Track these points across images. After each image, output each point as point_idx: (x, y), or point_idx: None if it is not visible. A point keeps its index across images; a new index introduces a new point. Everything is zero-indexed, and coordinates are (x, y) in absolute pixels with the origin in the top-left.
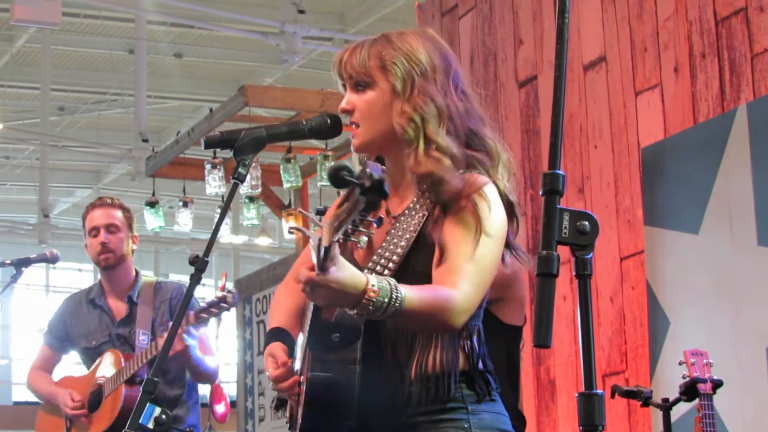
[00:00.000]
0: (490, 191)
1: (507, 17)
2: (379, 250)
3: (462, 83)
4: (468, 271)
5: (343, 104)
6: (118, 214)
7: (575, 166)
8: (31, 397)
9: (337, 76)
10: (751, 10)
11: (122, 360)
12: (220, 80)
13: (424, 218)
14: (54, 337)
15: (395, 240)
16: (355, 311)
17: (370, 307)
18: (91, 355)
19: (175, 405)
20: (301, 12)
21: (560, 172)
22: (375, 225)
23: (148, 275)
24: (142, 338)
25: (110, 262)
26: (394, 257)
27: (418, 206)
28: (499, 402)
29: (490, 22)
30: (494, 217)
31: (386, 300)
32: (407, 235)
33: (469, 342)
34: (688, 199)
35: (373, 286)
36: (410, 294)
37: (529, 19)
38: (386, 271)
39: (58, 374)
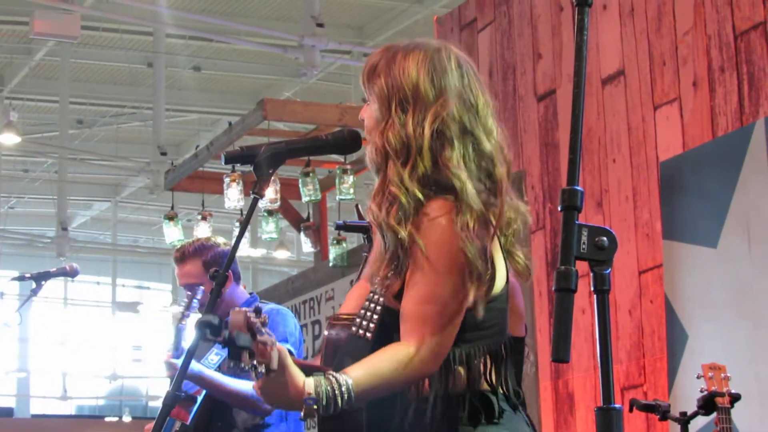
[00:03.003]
0: (436, 222)
1: (526, 31)
2: (366, 302)
3: (451, 116)
4: (425, 316)
5: (361, 113)
6: (191, 266)
7: (594, 179)
8: (49, 411)
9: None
10: None
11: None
12: (239, 93)
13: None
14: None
15: (377, 295)
16: (301, 417)
17: (315, 410)
18: None
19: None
20: (320, 25)
21: (579, 188)
22: (254, 373)
23: (267, 303)
24: (211, 358)
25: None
26: (374, 317)
27: None
28: (503, 426)
29: (509, 36)
30: (442, 248)
31: (330, 400)
32: (383, 298)
33: (462, 367)
34: (707, 212)
35: (309, 393)
36: (360, 376)
37: (548, 33)
38: (368, 334)
39: None
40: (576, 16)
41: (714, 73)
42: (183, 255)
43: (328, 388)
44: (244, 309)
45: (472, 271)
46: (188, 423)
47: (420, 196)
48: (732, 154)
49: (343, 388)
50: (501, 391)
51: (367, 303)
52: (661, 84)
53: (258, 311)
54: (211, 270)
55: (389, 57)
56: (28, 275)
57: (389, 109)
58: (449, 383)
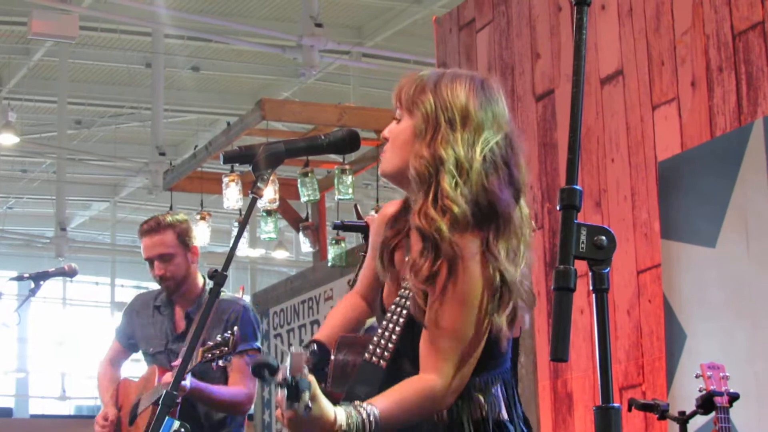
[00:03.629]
0: (471, 258)
1: (524, 31)
2: (380, 329)
3: (497, 146)
4: (445, 348)
5: (385, 131)
6: (168, 237)
7: (592, 179)
8: (48, 411)
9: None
10: None
11: (156, 379)
12: (237, 94)
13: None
14: (123, 334)
15: (394, 317)
16: None
17: None
18: (149, 361)
19: (218, 428)
20: (319, 25)
21: (578, 187)
22: (304, 413)
23: (225, 292)
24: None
25: (171, 289)
26: (389, 346)
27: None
28: None
29: (508, 36)
30: (471, 283)
31: (360, 431)
32: (401, 319)
33: (483, 392)
34: (705, 212)
35: (341, 426)
36: (386, 407)
37: (547, 33)
38: (382, 362)
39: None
40: (575, 16)
41: (712, 72)
42: (158, 224)
43: (359, 420)
44: (302, 353)
45: (504, 299)
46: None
47: (469, 215)
48: (730, 154)
49: (372, 421)
50: (516, 419)
51: (381, 331)
52: (660, 84)
53: (314, 353)
54: (209, 269)
55: (435, 79)
56: (26, 275)
57: (437, 124)
58: (471, 411)
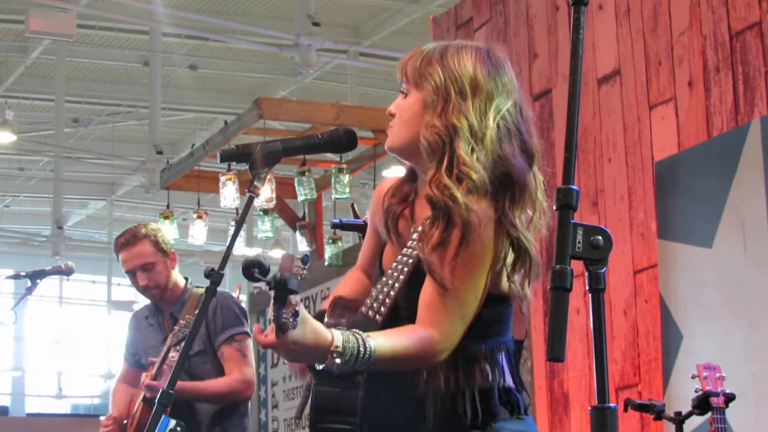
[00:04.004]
0: (485, 224)
1: (522, 31)
2: (378, 285)
3: (508, 113)
4: (447, 307)
5: (391, 107)
6: (146, 247)
7: (589, 179)
8: (44, 409)
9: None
10: (765, 24)
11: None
12: (235, 92)
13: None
14: (128, 353)
15: (395, 274)
16: (321, 367)
17: (337, 364)
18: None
19: (218, 420)
20: (316, 24)
21: (574, 187)
22: (291, 320)
23: (199, 287)
24: (172, 355)
25: (157, 297)
26: (386, 301)
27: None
28: (526, 422)
29: (505, 36)
30: (481, 248)
31: (353, 356)
32: (402, 276)
33: (489, 360)
34: (702, 212)
35: (337, 347)
36: (382, 345)
37: (544, 33)
38: (378, 316)
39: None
40: (572, 15)
41: (709, 73)
42: (134, 236)
43: (355, 345)
44: (293, 255)
45: (523, 265)
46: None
47: (487, 182)
48: (727, 154)
49: (368, 350)
50: (522, 388)
51: (379, 287)
52: (657, 84)
53: (305, 261)
54: (206, 268)
55: (440, 51)
56: (23, 274)
57: (447, 95)
58: (477, 378)
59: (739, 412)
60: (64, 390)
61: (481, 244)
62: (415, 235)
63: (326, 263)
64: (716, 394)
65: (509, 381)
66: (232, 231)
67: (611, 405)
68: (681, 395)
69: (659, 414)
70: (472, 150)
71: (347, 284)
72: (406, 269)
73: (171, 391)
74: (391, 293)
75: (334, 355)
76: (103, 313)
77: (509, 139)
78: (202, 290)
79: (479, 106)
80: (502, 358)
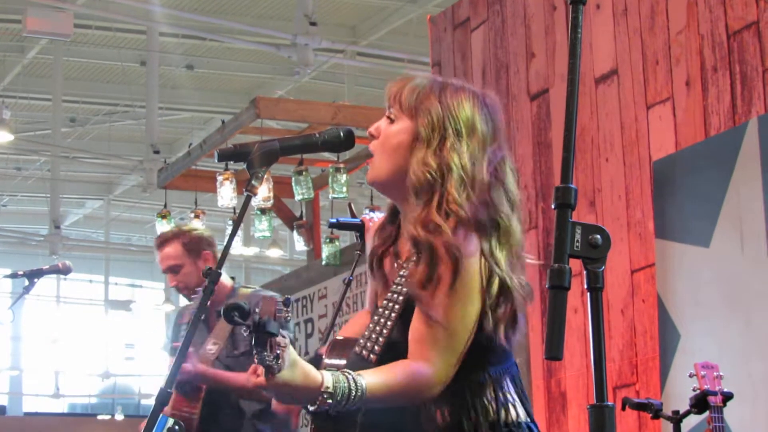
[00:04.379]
0: (470, 256)
1: (519, 30)
2: (371, 325)
3: (499, 162)
4: (437, 340)
5: (371, 128)
6: (173, 249)
7: (586, 178)
8: (41, 408)
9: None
10: (762, 24)
11: None
12: (232, 92)
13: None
14: (171, 348)
15: (386, 312)
16: (313, 408)
17: (329, 405)
18: None
19: (259, 419)
20: (313, 24)
21: (572, 186)
22: (275, 363)
23: (246, 287)
24: (209, 348)
25: (188, 296)
26: (379, 340)
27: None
28: None
29: (502, 35)
30: (468, 281)
31: (344, 396)
32: (393, 314)
33: (493, 390)
34: (699, 212)
35: (327, 388)
36: (373, 383)
37: (541, 33)
38: (371, 356)
39: None
40: (570, 14)
41: (707, 72)
42: (165, 238)
43: (345, 386)
44: (275, 298)
45: (505, 305)
46: (195, 413)
47: (473, 220)
48: (725, 154)
49: (359, 389)
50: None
51: (372, 326)
52: (654, 83)
53: (287, 304)
54: (204, 267)
55: (438, 87)
56: (20, 273)
57: (444, 132)
58: (489, 410)
59: (737, 410)
60: (62, 389)
61: (467, 275)
62: (402, 272)
63: (323, 262)
64: (714, 393)
65: (521, 412)
66: (229, 230)
67: (609, 403)
68: (678, 394)
69: (657, 413)
70: (464, 189)
71: (353, 326)
72: (397, 306)
73: (169, 390)
74: (384, 332)
75: (325, 396)
76: (100, 313)
77: (497, 187)
78: (249, 290)
79: (474, 149)
80: (509, 387)
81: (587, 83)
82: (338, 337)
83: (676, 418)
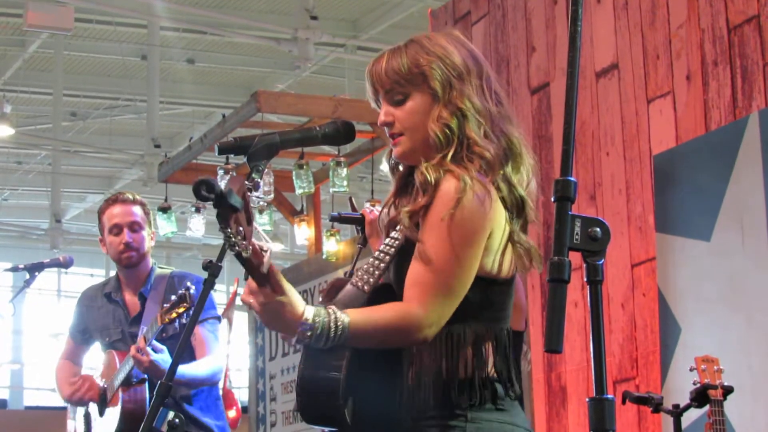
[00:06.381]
0: (472, 190)
1: (520, 24)
2: (370, 259)
3: (494, 84)
4: (431, 282)
5: (382, 117)
6: (139, 210)
7: (587, 172)
8: (43, 402)
9: (370, 87)
10: (763, 18)
11: (117, 362)
12: (233, 86)
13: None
14: (76, 330)
15: (386, 248)
16: (294, 340)
17: (308, 338)
18: (106, 350)
19: (189, 402)
20: (314, 18)
21: (572, 179)
22: (239, 241)
23: (163, 267)
24: (157, 330)
25: (133, 261)
26: (375, 273)
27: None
28: (508, 412)
29: (503, 29)
30: (467, 218)
31: (324, 329)
32: (393, 249)
33: (471, 348)
34: (700, 206)
35: (306, 319)
36: (358, 318)
37: (542, 26)
38: (365, 286)
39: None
40: (570, 7)
41: (707, 66)
42: (134, 199)
43: (326, 320)
44: (243, 178)
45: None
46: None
47: (499, 156)
48: (725, 148)
49: (339, 324)
50: (506, 379)
51: (371, 260)
52: (655, 77)
53: (256, 187)
54: (204, 260)
55: (417, 46)
56: (21, 266)
57: (450, 83)
58: (458, 365)
59: (737, 404)
60: None
61: (471, 221)
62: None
63: (324, 256)
64: (714, 387)
65: (491, 368)
66: None
67: (609, 396)
68: (679, 388)
69: (657, 407)
70: (480, 128)
71: None
72: (396, 242)
73: (170, 383)
74: (381, 265)
75: (305, 327)
76: None
77: (503, 113)
78: (167, 271)
79: (476, 86)
80: (488, 347)
81: (588, 77)
82: (337, 278)
83: (677, 412)
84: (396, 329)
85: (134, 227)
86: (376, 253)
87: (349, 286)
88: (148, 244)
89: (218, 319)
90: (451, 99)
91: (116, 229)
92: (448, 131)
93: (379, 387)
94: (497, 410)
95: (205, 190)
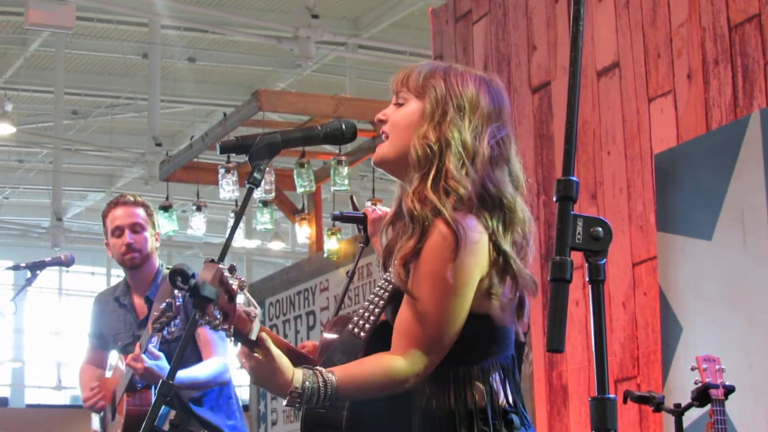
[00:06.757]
0: (467, 237)
1: (521, 23)
2: (365, 303)
3: (503, 139)
4: (418, 335)
5: (379, 114)
6: (141, 212)
7: (588, 171)
8: (44, 400)
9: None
10: (764, 16)
11: (122, 365)
12: (234, 85)
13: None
14: (93, 336)
15: (380, 291)
16: (285, 403)
17: (298, 402)
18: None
19: (198, 402)
20: (315, 17)
21: (574, 178)
22: (220, 327)
23: (170, 268)
24: (152, 340)
25: (136, 263)
26: (371, 318)
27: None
28: None
29: (504, 28)
30: (458, 270)
31: (314, 395)
32: (386, 293)
33: (481, 381)
34: (701, 205)
35: (296, 388)
36: (345, 380)
37: (543, 25)
38: (362, 333)
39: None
40: (572, 6)
41: (708, 65)
42: (135, 201)
43: (314, 385)
44: (217, 264)
45: (511, 289)
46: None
47: (475, 198)
48: (726, 147)
49: (329, 387)
50: (520, 407)
51: (367, 304)
52: (656, 76)
53: (232, 270)
54: (206, 260)
55: (444, 68)
56: (23, 265)
57: (445, 108)
58: (468, 399)
59: (739, 404)
60: (64, 381)
61: (462, 264)
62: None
63: (325, 255)
64: (716, 386)
65: (503, 399)
66: (231, 223)
67: (611, 396)
68: (680, 387)
69: (658, 406)
70: (462, 165)
71: None
72: (390, 286)
73: (171, 382)
74: (376, 310)
75: (294, 395)
76: None
77: (500, 164)
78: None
79: (476, 126)
80: (496, 378)
81: (589, 76)
82: (341, 314)
83: (678, 412)
84: (382, 385)
85: (136, 228)
86: (371, 296)
87: (346, 333)
88: (152, 245)
89: None
90: (440, 123)
91: (118, 231)
92: (428, 151)
93: (383, 421)
94: None
95: (180, 282)
